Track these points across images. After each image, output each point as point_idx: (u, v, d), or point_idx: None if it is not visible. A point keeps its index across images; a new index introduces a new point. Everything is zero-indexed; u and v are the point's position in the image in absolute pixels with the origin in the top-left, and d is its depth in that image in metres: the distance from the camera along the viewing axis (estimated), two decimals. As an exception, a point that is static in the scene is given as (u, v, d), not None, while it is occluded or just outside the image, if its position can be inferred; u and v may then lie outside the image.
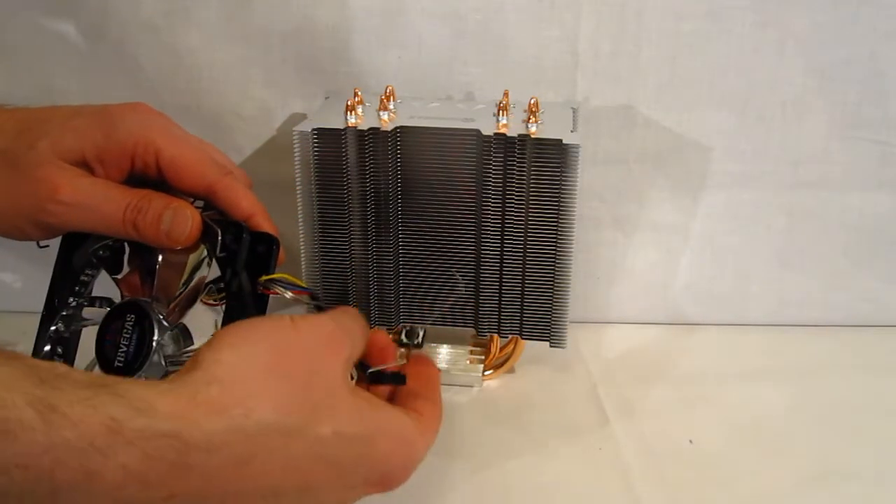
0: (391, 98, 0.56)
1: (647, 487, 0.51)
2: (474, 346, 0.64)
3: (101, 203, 0.46)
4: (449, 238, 0.57)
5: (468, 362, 0.62)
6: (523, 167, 0.53)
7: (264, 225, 0.48)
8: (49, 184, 0.45)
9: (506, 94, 0.55)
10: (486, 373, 0.61)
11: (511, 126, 0.54)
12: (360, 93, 0.55)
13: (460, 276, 0.57)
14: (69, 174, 0.46)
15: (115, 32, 0.61)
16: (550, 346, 0.58)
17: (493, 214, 0.55)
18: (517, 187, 0.54)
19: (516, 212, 0.54)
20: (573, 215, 0.54)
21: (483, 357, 0.62)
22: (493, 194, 0.54)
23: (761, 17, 0.60)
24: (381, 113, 0.55)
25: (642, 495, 0.50)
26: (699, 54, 0.61)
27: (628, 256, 0.67)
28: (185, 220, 0.46)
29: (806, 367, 0.63)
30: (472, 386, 0.61)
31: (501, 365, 0.61)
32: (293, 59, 0.62)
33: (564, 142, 0.52)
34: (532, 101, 0.54)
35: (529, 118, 0.53)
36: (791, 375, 0.62)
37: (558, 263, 0.55)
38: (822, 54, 0.61)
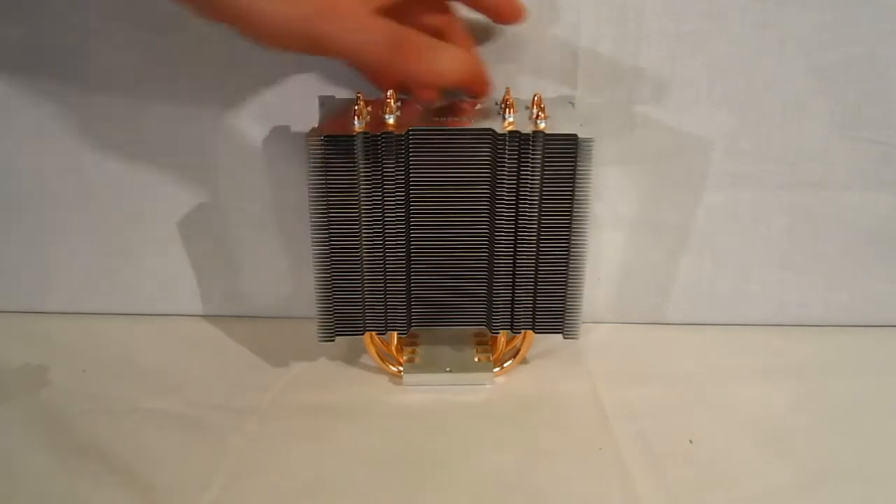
0: (393, 99, 0.56)
1: (647, 487, 0.51)
2: (478, 343, 0.64)
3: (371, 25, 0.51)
4: (461, 238, 0.57)
5: (477, 360, 0.62)
6: (537, 163, 0.54)
7: None
8: None
9: (507, 92, 0.55)
10: (496, 369, 0.61)
11: (517, 123, 0.54)
12: (361, 96, 0.55)
13: None
14: None
15: (115, 32, 0.61)
16: (564, 338, 0.58)
17: (505, 212, 0.55)
18: (530, 183, 0.54)
19: (529, 207, 0.55)
20: (587, 207, 0.55)
21: (490, 354, 0.62)
22: (507, 192, 0.55)
23: (761, 17, 0.60)
24: (387, 116, 0.54)
25: (642, 495, 0.50)
26: (699, 54, 0.61)
27: (628, 256, 0.67)
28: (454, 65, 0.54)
29: (806, 367, 0.63)
30: (484, 384, 0.61)
31: (511, 358, 0.62)
32: (293, 59, 0.62)
33: (579, 136, 0.53)
34: (536, 98, 0.54)
35: (538, 115, 0.53)
36: (791, 375, 0.62)
37: (572, 255, 0.56)
38: (822, 54, 0.61)
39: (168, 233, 0.67)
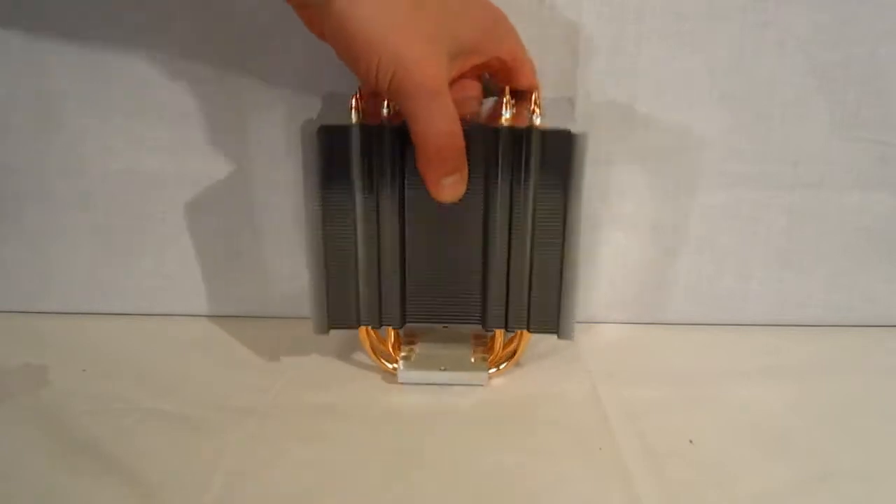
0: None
1: (647, 487, 0.51)
2: (476, 344, 0.64)
3: (440, 102, 0.49)
4: (456, 233, 0.57)
5: (473, 360, 0.62)
6: (531, 158, 0.53)
7: None
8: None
9: (506, 91, 0.55)
10: (492, 371, 0.61)
11: (514, 120, 0.54)
12: (361, 89, 0.55)
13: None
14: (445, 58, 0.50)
15: (115, 33, 0.61)
16: (559, 338, 0.58)
17: (500, 207, 0.55)
18: (525, 179, 0.54)
19: (523, 204, 0.55)
20: (581, 204, 0.54)
21: (487, 355, 0.62)
22: (501, 188, 0.54)
23: (761, 17, 0.60)
24: (384, 110, 0.54)
25: (642, 495, 0.50)
26: (699, 54, 0.61)
27: (628, 256, 0.67)
28: (457, 192, 0.53)
29: (806, 367, 0.63)
30: (480, 385, 0.61)
31: (507, 360, 0.62)
32: (293, 58, 0.62)
33: (573, 132, 0.53)
34: (533, 96, 0.54)
35: (533, 111, 0.53)
36: (791, 375, 0.62)
37: (567, 254, 0.56)
38: (822, 54, 0.61)
39: (168, 233, 0.67)
